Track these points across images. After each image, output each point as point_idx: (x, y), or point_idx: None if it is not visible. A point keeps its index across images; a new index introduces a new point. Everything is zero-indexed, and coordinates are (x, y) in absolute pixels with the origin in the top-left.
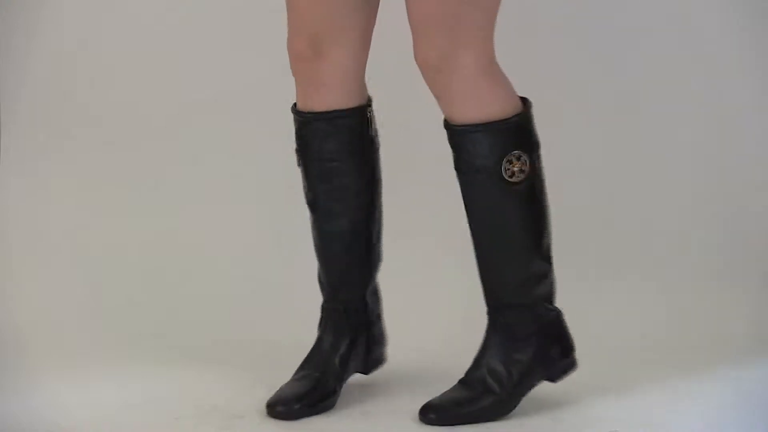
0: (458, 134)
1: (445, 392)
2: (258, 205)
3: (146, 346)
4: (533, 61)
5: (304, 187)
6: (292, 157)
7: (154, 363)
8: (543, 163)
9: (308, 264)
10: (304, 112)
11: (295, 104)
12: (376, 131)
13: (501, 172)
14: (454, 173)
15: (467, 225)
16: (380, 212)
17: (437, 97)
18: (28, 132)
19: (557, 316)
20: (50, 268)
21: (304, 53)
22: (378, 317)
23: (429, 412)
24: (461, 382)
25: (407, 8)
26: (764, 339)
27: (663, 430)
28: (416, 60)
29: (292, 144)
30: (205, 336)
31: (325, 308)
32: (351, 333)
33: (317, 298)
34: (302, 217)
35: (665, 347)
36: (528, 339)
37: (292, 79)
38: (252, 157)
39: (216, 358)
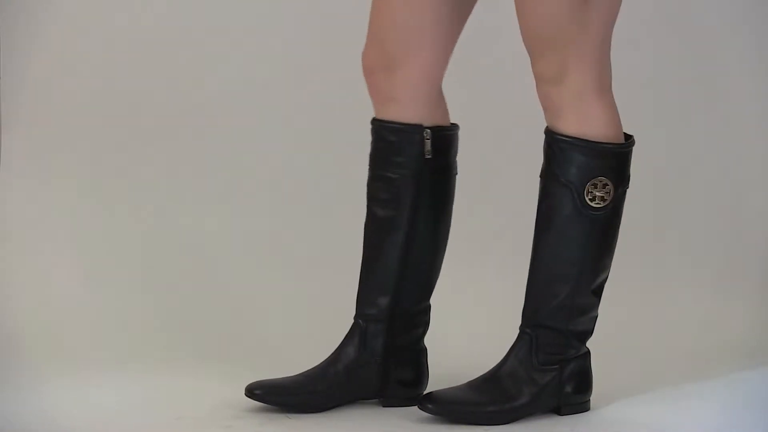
0: (554, 142)
1: (452, 388)
2: (259, 205)
3: (146, 346)
4: None
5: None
6: (292, 158)
7: (154, 363)
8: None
9: (308, 264)
10: (375, 119)
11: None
12: (450, 161)
13: (583, 191)
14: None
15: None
16: (426, 244)
17: (545, 109)
18: (28, 132)
19: (585, 354)
20: (50, 268)
21: (375, 67)
22: (403, 350)
23: (428, 402)
24: (471, 384)
25: (521, 26)
26: (764, 340)
27: (663, 431)
28: (533, 72)
29: (293, 144)
30: (204, 336)
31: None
32: (361, 354)
33: (317, 299)
34: (302, 217)
35: (666, 349)
36: (550, 365)
37: (293, 80)
38: (253, 157)
39: (216, 358)
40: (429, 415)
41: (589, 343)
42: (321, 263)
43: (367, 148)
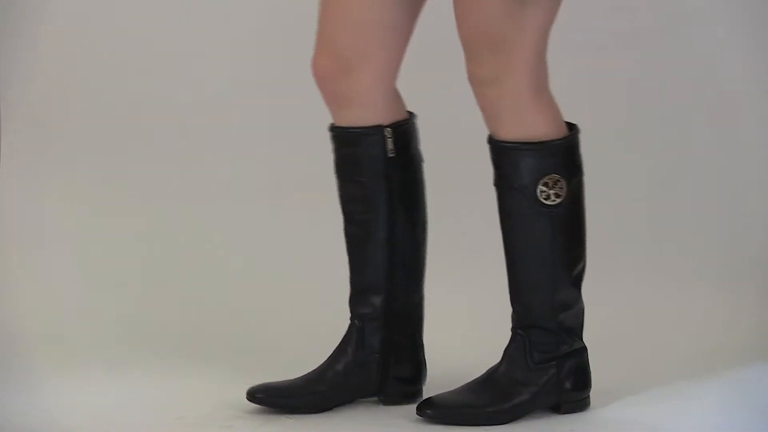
0: (500, 150)
1: (450, 392)
2: (259, 204)
3: (146, 345)
4: None
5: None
6: (292, 157)
7: (154, 363)
8: None
9: (309, 264)
10: (333, 126)
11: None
12: (413, 151)
13: (536, 193)
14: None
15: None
16: (408, 238)
17: (483, 111)
18: (28, 132)
19: (582, 350)
20: (50, 268)
21: (331, 73)
22: (401, 347)
23: (427, 408)
24: (468, 386)
25: (458, 26)
26: (764, 340)
27: (663, 431)
28: (468, 73)
29: (294, 143)
30: (205, 336)
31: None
32: (359, 353)
33: (318, 299)
34: (303, 217)
35: (665, 348)
36: (546, 363)
37: (292, 80)
38: (252, 157)
39: (216, 359)
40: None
41: (589, 343)
42: (322, 264)
43: None
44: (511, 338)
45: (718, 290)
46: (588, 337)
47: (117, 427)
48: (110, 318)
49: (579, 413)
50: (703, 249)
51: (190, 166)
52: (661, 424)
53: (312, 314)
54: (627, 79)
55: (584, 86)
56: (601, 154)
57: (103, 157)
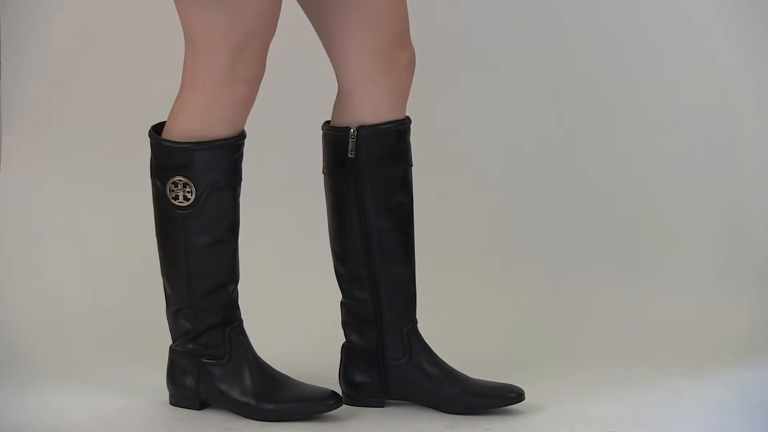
0: (406, 132)
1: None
2: (258, 205)
3: (146, 346)
4: (536, 58)
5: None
6: (289, 159)
7: (154, 363)
8: (547, 161)
9: (308, 264)
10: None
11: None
12: None
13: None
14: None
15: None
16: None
17: (402, 99)
18: (28, 132)
19: None
20: (50, 268)
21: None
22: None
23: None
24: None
25: (388, 18)
26: (764, 340)
27: (663, 431)
28: (402, 61)
29: (293, 145)
30: None
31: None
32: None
33: (317, 299)
34: (304, 216)
35: (665, 347)
36: None
37: (291, 80)
38: (252, 158)
39: None
40: (431, 417)
41: (588, 343)
42: (322, 263)
43: None
44: (412, 330)
45: (718, 290)
46: (588, 336)
47: (117, 428)
48: (110, 318)
49: (578, 413)
50: (703, 248)
51: None
52: (661, 424)
53: (312, 314)
54: (626, 79)
55: (584, 86)
56: (601, 153)
57: (104, 157)
